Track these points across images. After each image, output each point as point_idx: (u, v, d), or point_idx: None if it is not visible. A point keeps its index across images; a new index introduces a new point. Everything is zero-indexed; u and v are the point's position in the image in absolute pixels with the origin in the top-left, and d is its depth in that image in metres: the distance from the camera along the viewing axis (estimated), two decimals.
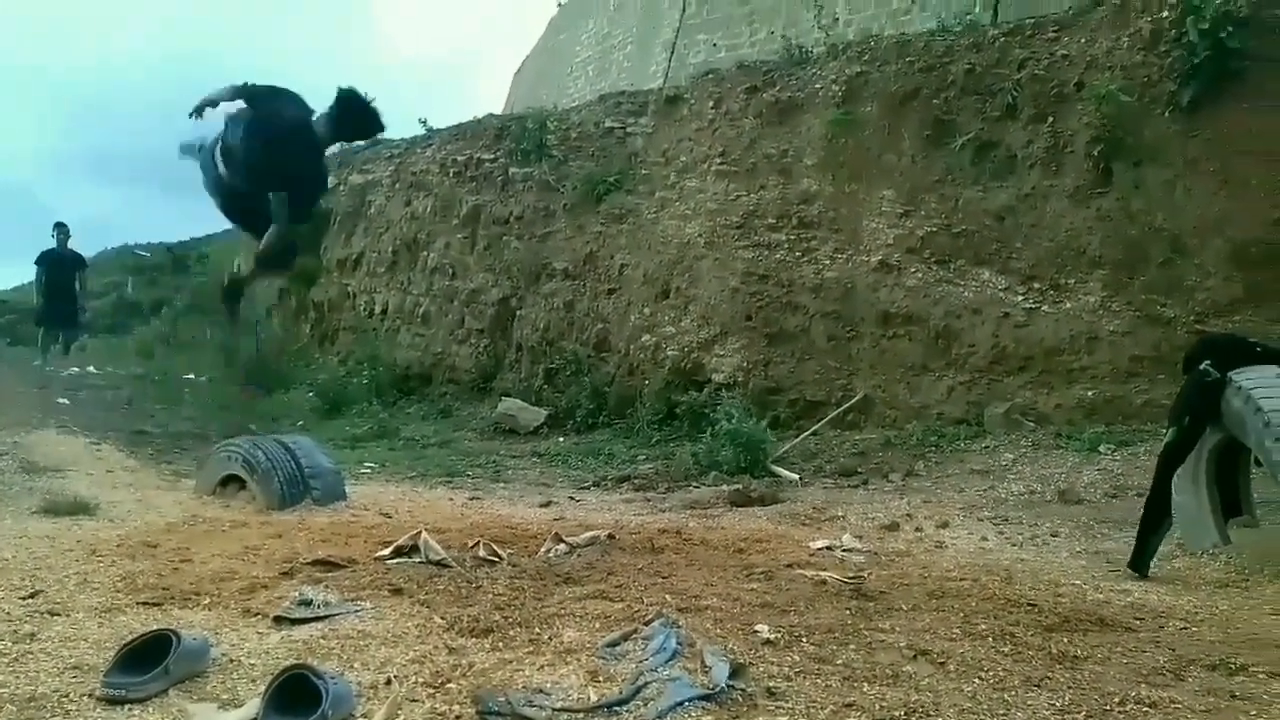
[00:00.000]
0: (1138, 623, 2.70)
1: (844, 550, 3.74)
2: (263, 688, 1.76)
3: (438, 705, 1.85)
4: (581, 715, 1.82)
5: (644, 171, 9.47)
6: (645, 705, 1.88)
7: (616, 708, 1.87)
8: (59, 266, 11.68)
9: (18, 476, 5.39)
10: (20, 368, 12.43)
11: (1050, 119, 6.95)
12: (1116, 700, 2.03)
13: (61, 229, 11.71)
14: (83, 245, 13.31)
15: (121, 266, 23.45)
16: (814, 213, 8.09)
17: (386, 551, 3.24)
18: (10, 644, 2.22)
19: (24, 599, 2.64)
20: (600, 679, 2.01)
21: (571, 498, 5.76)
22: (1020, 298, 6.97)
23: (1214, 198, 6.21)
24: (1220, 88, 6.21)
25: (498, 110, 14.52)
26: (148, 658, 1.91)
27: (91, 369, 13.34)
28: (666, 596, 2.72)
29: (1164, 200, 6.40)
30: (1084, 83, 6.79)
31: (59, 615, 2.49)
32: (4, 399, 8.84)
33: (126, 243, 26.87)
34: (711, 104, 9.01)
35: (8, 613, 2.48)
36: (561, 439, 8.48)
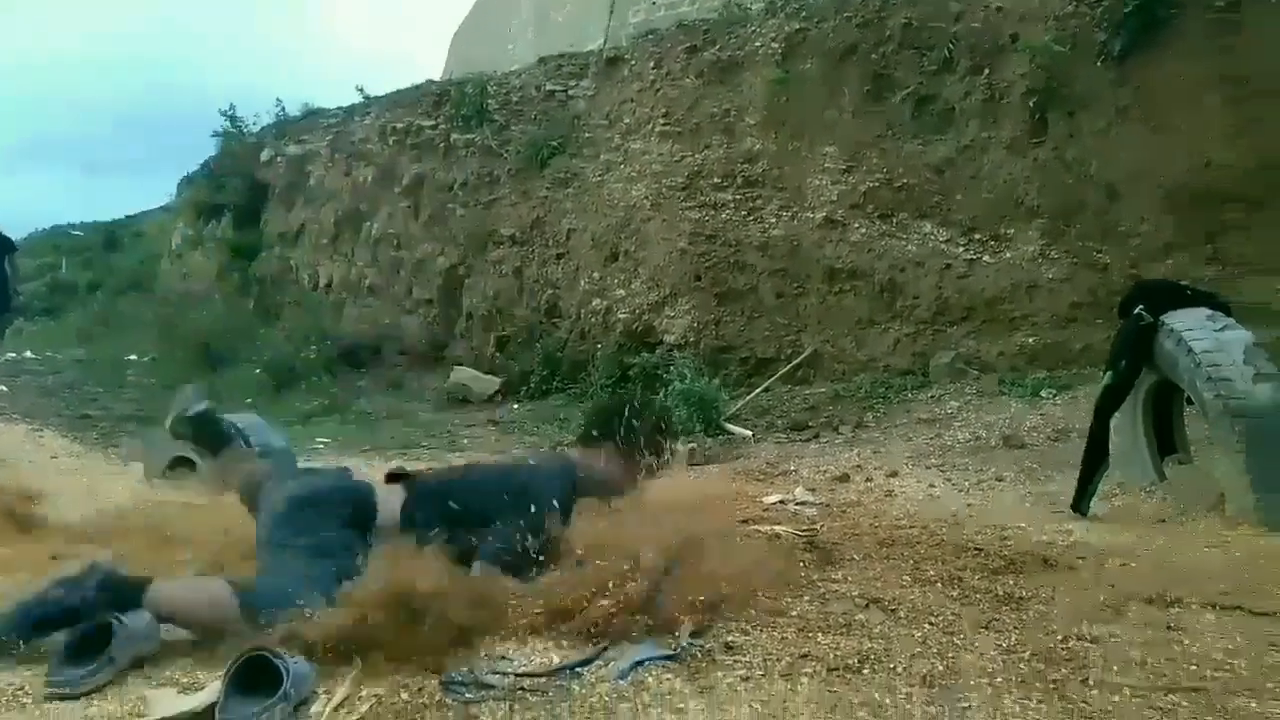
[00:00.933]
0: (1080, 562, 2.78)
1: (797, 504, 3.78)
2: (221, 671, 1.75)
3: (402, 677, 1.85)
4: (544, 679, 1.84)
5: (587, 135, 9.39)
6: (607, 665, 1.90)
7: (579, 669, 1.89)
8: None
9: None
10: None
11: (986, 71, 7.02)
12: (1060, 638, 2.09)
13: None
14: (11, 226, 12.85)
15: (54, 247, 22.70)
16: (758, 171, 8.09)
17: None
18: None
19: None
20: (564, 643, 2.03)
21: None
22: (961, 249, 7.06)
23: (1145, 145, 6.32)
24: (1149, 37, 6.30)
25: (436, 75, 14.24)
26: (95, 647, 1.88)
27: (29, 354, 13.00)
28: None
29: (1097, 149, 6.51)
30: (1018, 34, 6.85)
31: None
32: None
33: (58, 223, 26.02)
34: (652, 64, 8.94)
35: None
36: (516, 406, 8.47)
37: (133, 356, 12.90)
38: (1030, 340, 6.68)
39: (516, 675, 1.86)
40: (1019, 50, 6.82)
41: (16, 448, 6.08)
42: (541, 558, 2.42)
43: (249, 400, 8.92)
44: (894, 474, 4.56)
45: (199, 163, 15.66)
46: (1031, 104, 6.74)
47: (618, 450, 2.90)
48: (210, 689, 1.76)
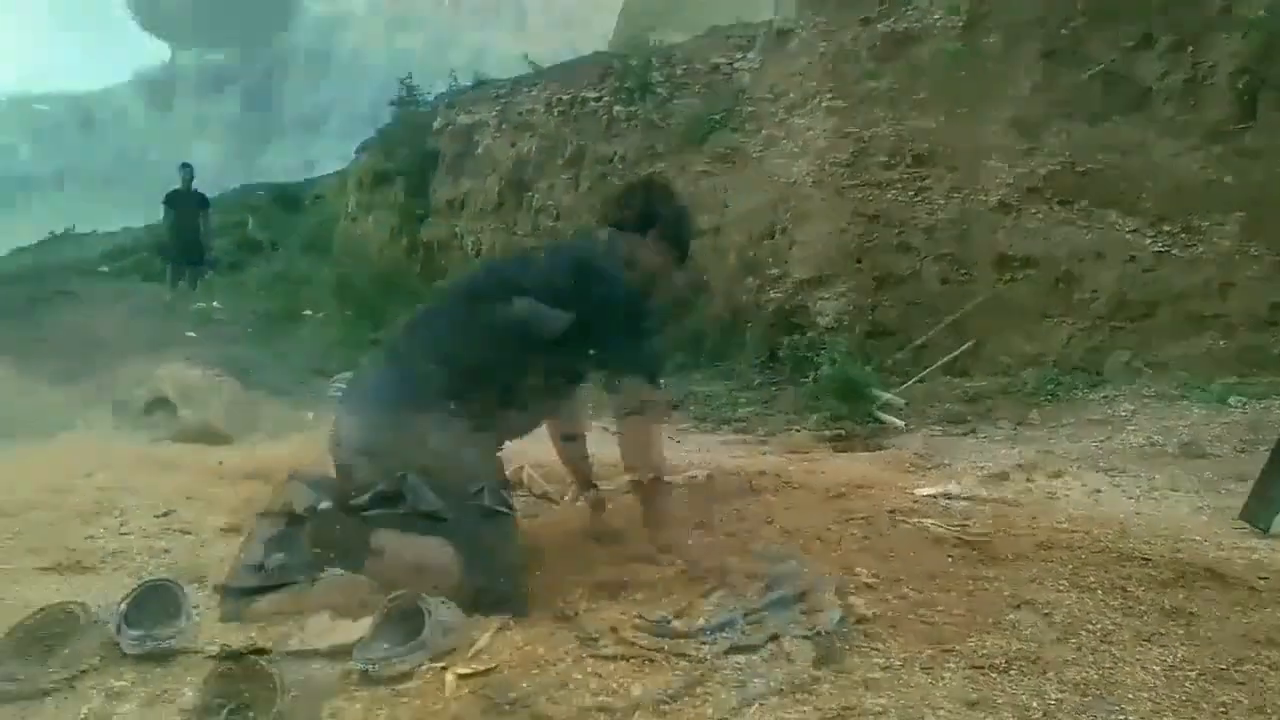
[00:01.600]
0: (1261, 581, 2.60)
1: (949, 498, 3.69)
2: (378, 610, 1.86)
3: (543, 628, 1.93)
4: (680, 640, 1.88)
5: (750, 109, 9.31)
6: (745, 634, 1.92)
7: (716, 634, 1.92)
8: (184, 206, 12.29)
9: (152, 405, 5.77)
10: (151, 302, 13.08)
11: (1190, 49, 6.54)
12: (1233, 660, 1.97)
13: (186, 169, 12.40)
14: (205, 185, 13.99)
15: (241, 206, 24.36)
16: (928, 150, 7.84)
17: None
18: (146, 558, 2.41)
19: (157, 517, 2.85)
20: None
21: (671, 439, 5.83)
22: (1148, 240, 6.65)
23: None
24: None
25: (606, 43, 14.41)
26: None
27: (216, 304, 14.06)
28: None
29: None
30: (1230, 9, 6.35)
31: (189, 534, 2.68)
32: (137, 331, 9.41)
33: (247, 182, 27.86)
34: (822, 37, 8.76)
35: (144, 529, 2.69)
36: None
37: (308, 312, 13.72)
38: (1220, 343, 6.24)
39: (656, 633, 1.90)
40: (1231, 27, 6.32)
41: (202, 389, 6.57)
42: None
43: None
44: (1057, 475, 4.38)
45: (375, 129, 16.40)
46: (1240, 85, 6.24)
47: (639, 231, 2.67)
48: (360, 624, 1.88)
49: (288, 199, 23.96)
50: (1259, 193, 6.18)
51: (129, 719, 1.50)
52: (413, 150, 14.09)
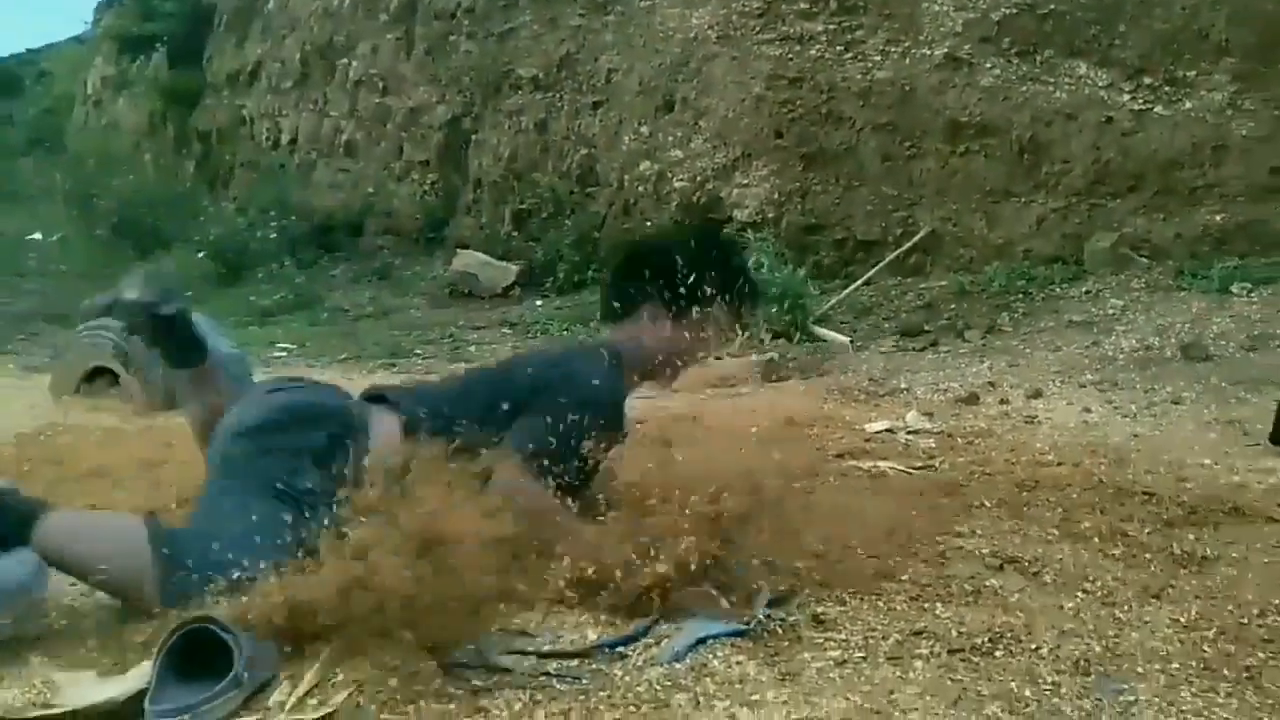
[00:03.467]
0: None
1: (909, 432, 3.79)
2: (154, 649, 1.77)
3: (390, 658, 1.89)
4: (576, 661, 1.86)
5: None
6: (658, 644, 1.91)
7: (622, 647, 1.90)
8: None
9: None
10: None
11: None
12: (1256, 612, 2.07)
13: None
14: None
15: None
16: None
17: None
18: None
19: None
20: (603, 615, 2.05)
21: None
22: (1127, 97, 6.89)
23: None
24: None
25: None
26: None
27: None
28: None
29: None
30: None
31: None
32: None
33: None
34: None
35: None
36: (539, 302, 8.50)
37: (36, 235, 13.08)
38: (1218, 218, 6.53)
39: (540, 655, 1.87)
40: None
41: None
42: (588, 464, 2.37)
43: (189, 293, 9.03)
44: (1037, 394, 4.53)
45: None
46: None
47: (667, 308, 2.68)
48: (139, 671, 1.79)
49: (2, 79, 22.64)
50: (1252, 36, 6.41)
51: None
52: (178, 6, 13.47)
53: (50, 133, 17.45)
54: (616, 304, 2.77)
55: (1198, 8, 6.58)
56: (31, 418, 4.39)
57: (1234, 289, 5.87)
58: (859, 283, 7.22)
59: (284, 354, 6.75)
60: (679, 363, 2.75)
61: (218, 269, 10.21)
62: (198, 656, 1.73)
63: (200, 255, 10.53)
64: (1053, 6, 7.09)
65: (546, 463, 2.26)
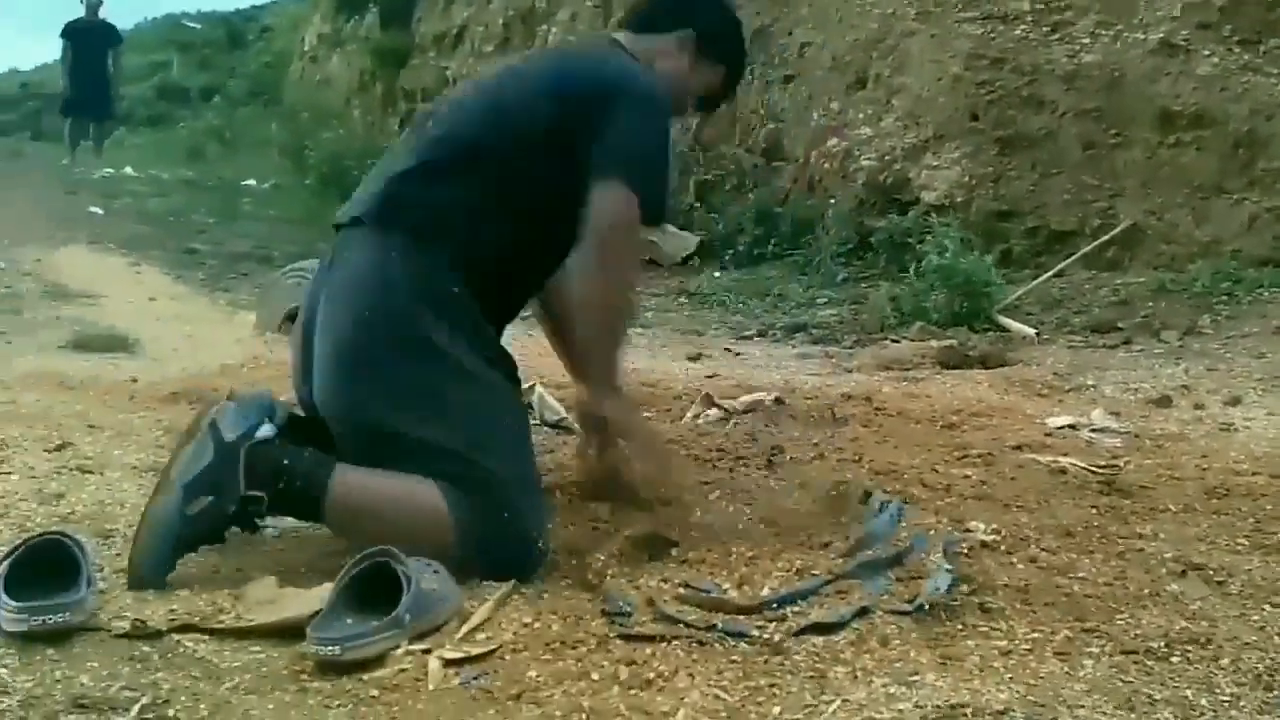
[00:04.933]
0: None
1: (1093, 430, 3.66)
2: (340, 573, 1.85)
3: (555, 605, 1.93)
4: (742, 618, 1.87)
5: None
6: (824, 607, 1.92)
7: (787, 606, 1.92)
8: (88, 41, 11.92)
9: (43, 303, 5.84)
10: (46, 168, 13.03)
11: None
12: None
13: None
14: (118, 14, 13.78)
15: (166, 42, 24.24)
16: None
17: None
18: (35, 505, 2.42)
19: (50, 452, 2.86)
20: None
21: (729, 350, 5.83)
22: None
23: None
24: None
25: None
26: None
27: (129, 170, 14.09)
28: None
29: None
30: None
31: (91, 473, 2.69)
32: (28, 206, 9.47)
33: (172, 12, 27.68)
34: None
35: (32, 468, 2.70)
36: (718, 274, 8.52)
37: (251, 182, 13.73)
38: None
39: (708, 608, 1.90)
40: None
41: (111, 283, 6.64)
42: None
43: None
44: (1235, 401, 4.32)
45: None
46: None
47: (698, 44, 2.60)
48: (318, 592, 1.87)
49: (228, 33, 23.78)
50: None
51: (8, 718, 1.50)
52: None
53: (269, 86, 18.28)
54: (662, 12, 2.63)
55: None
56: (239, 351, 4.64)
57: None
58: (1050, 273, 7.01)
59: None
60: (676, 106, 2.61)
61: None
62: (383, 589, 1.81)
63: None
64: None
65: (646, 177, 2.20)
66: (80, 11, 12.37)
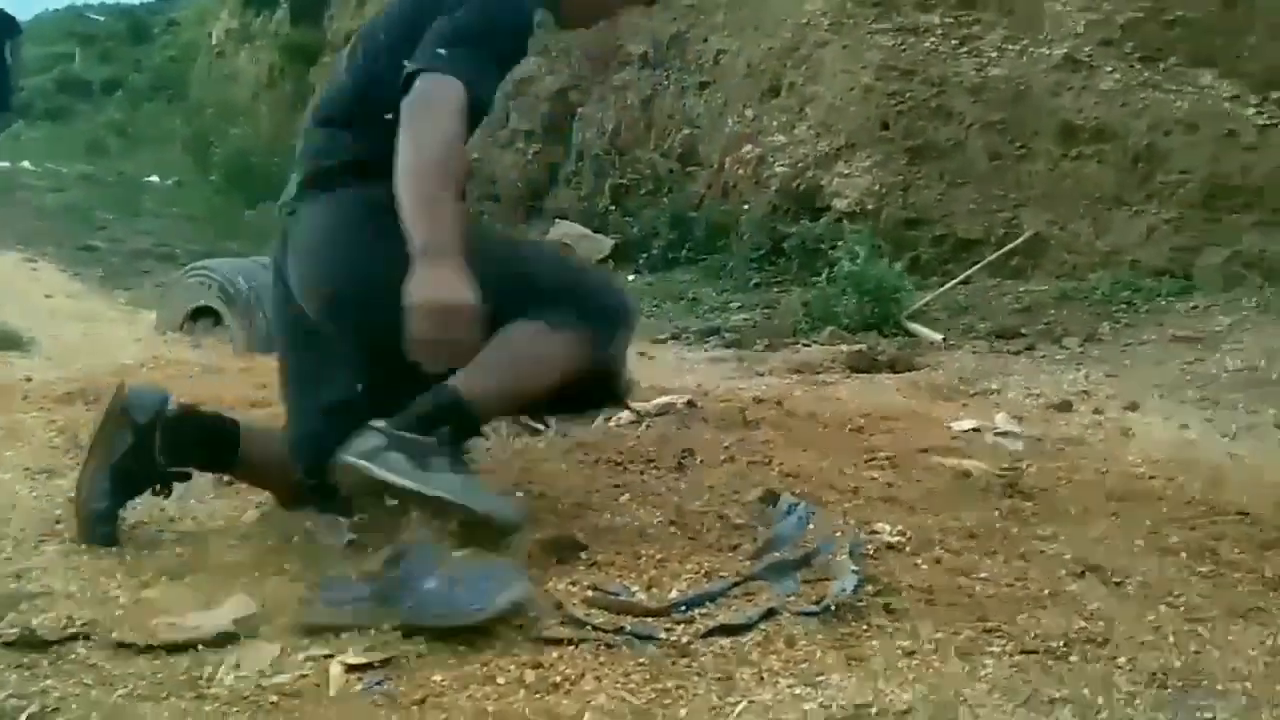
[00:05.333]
0: None
1: (997, 434, 3.71)
2: None
3: None
4: (649, 620, 1.87)
5: None
6: (730, 609, 1.93)
7: (695, 609, 1.93)
8: None
9: None
10: None
11: None
12: None
13: None
14: (17, 4, 13.24)
15: (68, 34, 23.61)
16: None
17: None
18: None
19: None
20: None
21: (643, 353, 5.81)
22: (1252, 111, 6.72)
23: None
24: None
25: None
26: None
27: (27, 164, 13.68)
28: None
29: None
30: None
31: None
32: None
33: (74, 3, 26.94)
34: None
35: None
36: (632, 277, 8.53)
37: (154, 178, 13.43)
38: None
39: (616, 611, 1.89)
40: None
41: (6, 280, 6.45)
42: None
43: None
44: (1133, 406, 4.43)
45: None
46: None
47: None
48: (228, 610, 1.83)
49: (132, 26, 23.21)
50: None
51: None
52: None
53: (174, 80, 17.94)
54: None
55: None
56: (137, 350, 4.53)
57: None
58: (956, 280, 7.13)
59: None
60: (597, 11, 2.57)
61: None
62: None
63: None
64: (1181, 13, 6.95)
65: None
66: None
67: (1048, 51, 7.45)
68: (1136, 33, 7.12)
